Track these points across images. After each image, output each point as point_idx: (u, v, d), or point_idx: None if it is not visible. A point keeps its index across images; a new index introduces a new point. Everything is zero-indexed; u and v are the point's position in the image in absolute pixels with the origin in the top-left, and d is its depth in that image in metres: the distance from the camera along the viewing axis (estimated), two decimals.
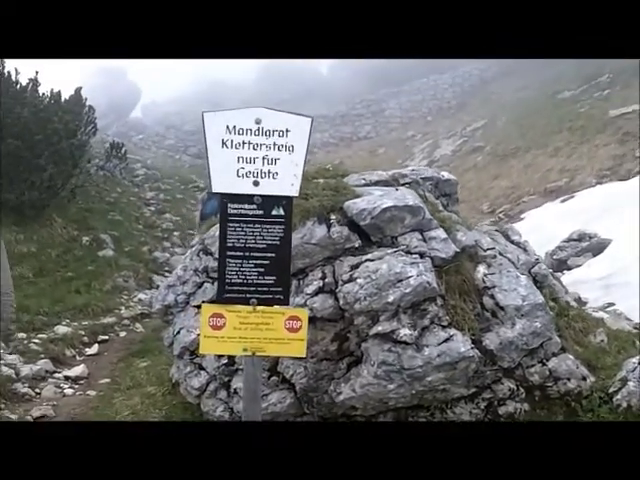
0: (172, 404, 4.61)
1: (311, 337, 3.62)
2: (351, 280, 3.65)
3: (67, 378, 5.84)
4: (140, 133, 29.10)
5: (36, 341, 6.50)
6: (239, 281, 2.89)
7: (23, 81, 10.82)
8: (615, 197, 10.60)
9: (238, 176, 2.85)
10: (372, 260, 3.69)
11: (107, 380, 5.74)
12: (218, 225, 3.03)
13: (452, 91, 30.13)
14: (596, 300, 6.56)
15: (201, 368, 4.19)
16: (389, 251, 3.74)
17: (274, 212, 2.90)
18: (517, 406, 3.83)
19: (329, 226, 3.83)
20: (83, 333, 7.13)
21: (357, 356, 3.75)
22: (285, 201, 2.90)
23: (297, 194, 2.93)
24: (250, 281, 2.89)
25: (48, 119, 10.26)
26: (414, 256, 3.73)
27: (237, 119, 2.85)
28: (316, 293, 3.76)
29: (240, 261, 2.88)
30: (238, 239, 2.88)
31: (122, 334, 7.58)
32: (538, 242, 7.38)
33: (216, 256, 3.51)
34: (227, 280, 2.89)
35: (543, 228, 10.37)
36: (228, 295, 2.90)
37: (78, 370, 5.99)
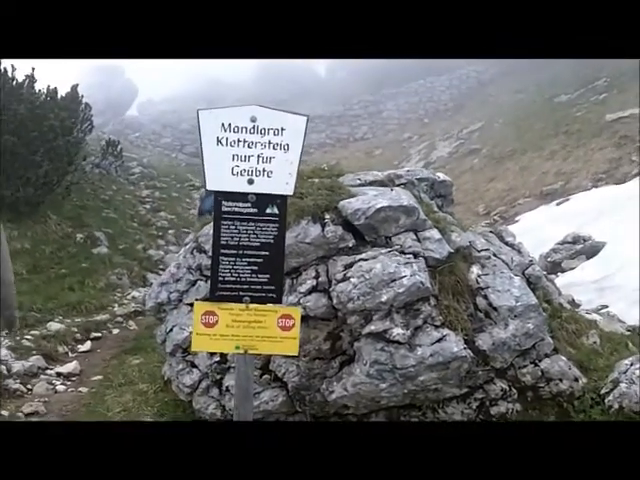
0: (164, 401, 4.61)
1: (304, 336, 3.62)
2: (345, 279, 3.65)
3: (59, 375, 5.82)
4: (136, 131, 28.99)
5: (28, 337, 6.48)
6: (232, 279, 2.89)
7: (19, 78, 10.77)
8: (610, 200, 10.63)
9: (233, 174, 2.85)
10: (366, 260, 3.70)
11: (99, 377, 5.72)
12: (212, 223, 3.03)
13: (449, 93, 30.14)
14: (590, 302, 6.58)
15: (193, 366, 4.19)
16: (383, 251, 3.75)
17: (268, 210, 2.90)
18: (509, 406, 3.84)
19: (323, 225, 3.84)
20: (76, 330, 7.10)
21: (350, 355, 3.76)
22: (279, 200, 2.90)
23: (292, 193, 2.93)
24: (243, 279, 2.89)
25: (44, 116, 10.21)
26: (408, 256, 3.73)
27: (232, 117, 2.84)
28: (309, 292, 3.76)
29: (233, 259, 2.88)
30: (232, 237, 2.87)
31: (115, 331, 7.55)
32: (533, 244, 7.40)
33: (210, 254, 3.51)
34: (220, 278, 2.89)
35: (538, 230, 10.39)
36: (221, 293, 2.90)
37: (70, 367, 5.97)
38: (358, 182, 4.43)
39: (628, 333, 4.99)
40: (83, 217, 11.02)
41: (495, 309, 3.81)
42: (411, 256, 3.74)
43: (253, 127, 2.84)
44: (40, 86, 11.15)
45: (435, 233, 3.97)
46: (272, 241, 2.90)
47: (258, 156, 2.85)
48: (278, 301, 2.94)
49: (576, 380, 3.91)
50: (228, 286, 2.89)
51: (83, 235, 10.34)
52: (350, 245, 3.84)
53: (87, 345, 6.83)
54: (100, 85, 31.18)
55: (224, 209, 2.87)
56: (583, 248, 8.55)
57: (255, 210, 2.88)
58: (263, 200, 2.88)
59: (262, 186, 2.86)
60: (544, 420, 3.84)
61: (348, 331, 3.73)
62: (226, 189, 2.86)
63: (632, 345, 4.56)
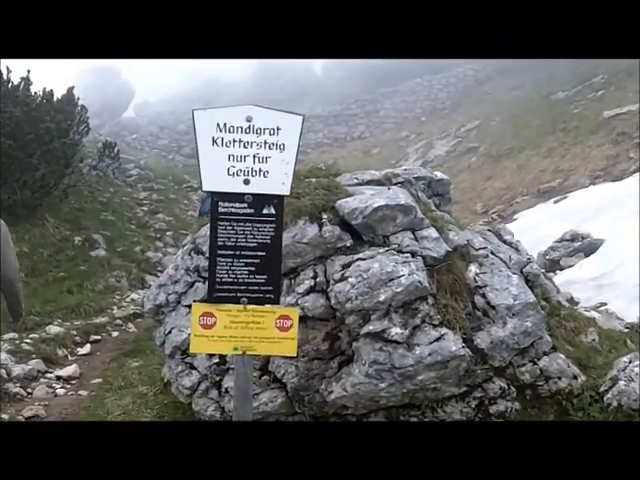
0: (164, 404, 4.60)
1: (302, 336, 3.62)
2: (342, 279, 3.64)
3: (59, 378, 5.81)
4: (133, 133, 28.99)
5: (28, 341, 6.46)
6: (230, 280, 2.88)
7: (15, 80, 10.77)
8: (608, 198, 10.63)
9: (229, 174, 2.84)
10: (364, 259, 3.69)
11: (99, 380, 5.71)
12: (209, 224, 3.03)
13: (446, 91, 30.17)
14: (588, 300, 6.58)
15: (192, 367, 4.18)
16: (381, 250, 3.74)
17: (265, 211, 2.89)
18: (508, 405, 3.84)
19: (321, 225, 3.83)
20: (75, 333, 7.09)
21: (348, 355, 3.75)
22: (276, 200, 2.89)
23: (288, 193, 2.92)
24: (241, 280, 2.88)
25: (40, 118, 10.20)
26: (406, 255, 3.73)
27: (228, 117, 2.83)
28: (307, 292, 3.75)
29: (231, 260, 2.87)
30: (229, 238, 2.86)
31: (114, 334, 7.54)
32: (531, 242, 7.40)
33: (207, 255, 3.50)
34: (218, 279, 2.88)
35: (536, 228, 10.39)
36: (219, 294, 2.89)
37: (70, 370, 5.95)
38: (355, 181, 4.43)
39: (627, 330, 4.99)
40: (81, 220, 11.01)
41: (493, 307, 3.80)
42: (409, 255, 3.74)
43: (249, 127, 2.83)
44: (36, 88, 11.17)
45: (433, 232, 3.96)
46: (269, 241, 2.89)
47: (254, 156, 2.84)
48: (276, 302, 2.94)
49: (575, 378, 3.90)
50: (226, 287, 2.88)
51: (81, 238, 10.32)
52: (348, 245, 3.83)
53: (86, 348, 6.81)
54: (96, 87, 31.17)
55: (220, 210, 2.86)
56: (581, 246, 8.55)
57: (252, 210, 2.87)
58: (260, 200, 2.87)
59: (258, 186, 2.85)
60: (543, 418, 3.83)
61: (346, 331, 3.73)
62: (222, 190, 2.85)
63: (631, 342, 4.56)
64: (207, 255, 3.52)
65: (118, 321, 7.96)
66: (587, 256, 8.29)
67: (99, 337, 7.28)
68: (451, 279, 3.85)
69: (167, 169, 20.36)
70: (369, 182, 4.46)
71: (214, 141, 2.81)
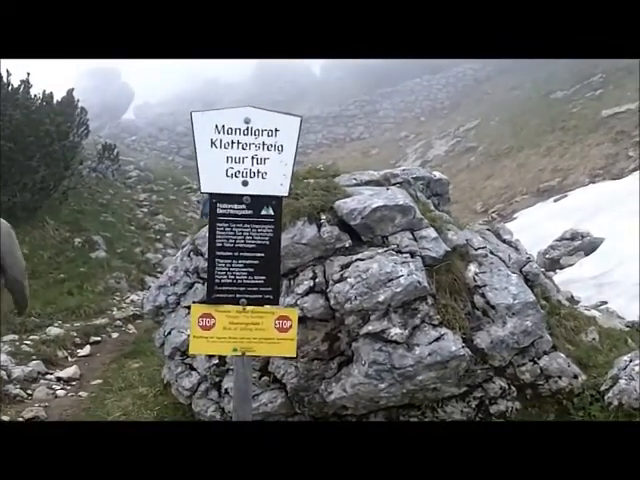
0: (164, 405, 4.60)
1: (302, 337, 3.61)
2: (342, 280, 3.64)
3: (59, 379, 5.81)
4: (133, 135, 29.00)
5: (28, 342, 6.47)
6: (229, 281, 2.88)
7: (15, 83, 10.77)
8: (608, 196, 10.64)
9: (227, 176, 2.84)
10: (362, 260, 3.69)
11: (99, 381, 5.72)
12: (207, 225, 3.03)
13: (445, 91, 30.18)
14: (589, 299, 6.58)
15: (192, 369, 4.18)
16: (380, 250, 3.74)
17: (263, 212, 2.89)
18: (508, 405, 3.83)
19: (319, 226, 3.83)
20: (75, 334, 7.09)
21: (348, 356, 3.75)
22: (274, 201, 2.89)
23: (287, 194, 2.93)
24: (240, 281, 2.89)
25: (40, 121, 10.20)
26: (405, 255, 3.73)
27: (226, 119, 2.84)
28: (307, 293, 3.75)
29: (229, 261, 2.87)
30: (227, 239, 2.87)
31: (114, 335, 7.54)
32: (531, 241, 7.42)
33: (206, 256, 3.51)
34: (217, 280, 2.89)
35: (536, 227, 10.40)
36: (218, 295, 2.89)
37: (70, 371, 5.96)
38: (354, 182, 4.42)
39: (627, 329, 4.99)
40: (81, 221, 11.00)
41: (493, 307, 3.80)
42: (408, 255, 3.74)
43: (247, 128, 2.84)
44: (35, 91, 11.16)
45: (431, 232, 3.96)
46: (268, 242, 2.89)
47: (252, 157, 2.84)
48: (275, 303, 2.94)
49: (575, 377, 3.90)
50: (225, 288, 2.89)
51: (81, 239, 10.32)
52: (346, 245, 3.83)
53: (86, 349, 6.82)
54: (96, 89, 31.20)
55: (219, 211, 2.86)
56: (581, 244, 8.56)
57: (250, 212, 2.87)
58: (258, 201, 2.87)
59: (257, 187, 2.85)
60: (544, 418, 3.83)
61: (346, 332, 3.72)
62: (221, 191, 2.85)
63: (631, 341, 4.55)
64: (206, 256, 3.52)
65: (118, 322, 7.96)
66: (587, 255, 8.29)
67: (99, 338, 7.28)
68: (450, 279, 3.85)
69: (167, 170, 20.35)
70: (368, 183, 4.45)
71: (212, 143, 2.82)
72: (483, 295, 3.85)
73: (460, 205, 14.36)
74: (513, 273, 4.07)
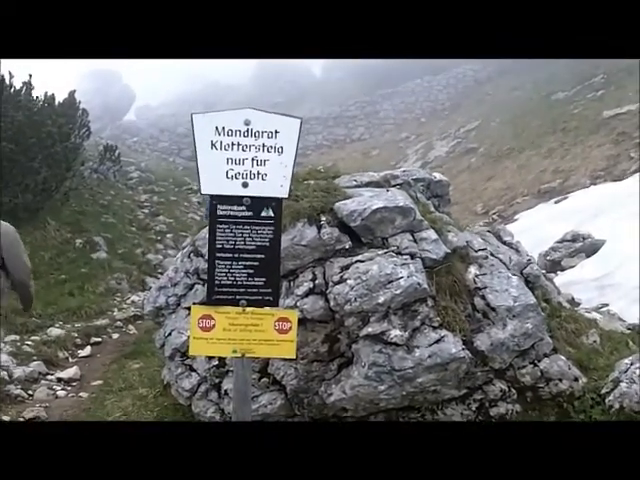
0: (163, 406, 4.60)
1: (302, 338, 3.61)
2: (341, 281, 3.64)
3: (60, 380, 5.84)
4: (134, 136, 29.02)
5: (29, 343, 6.49)
6: (229, 283, 2.89)
7: (17, 84, 10.80)
8: (609, 198, 10.62)
9: (227, 177, 2.84)
10: (362, 261, 3.69)
11: (99, 382, 5.73)
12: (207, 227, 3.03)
13: (446, 92, 30.18)
14: (590, 301, 6.57)
15: (192, 370, 4.18)
16: (380, 252, 3.74)
17: (263, 213, 2.89)
18: (508, 407, 3.83)
19: (319, 227, 3.83)
20: (76, 335, 7.11)
21: (348, 357, 3.75)
22: (274, 202, 2.89)
23: (287, 195, 2.93)
24: (240, 282, 2.89)
25: (42, 122, 10.23)
26: (405, 257, 3.72)
27: (226, 120, 2.84)
28: (306, 294, 3.75)
29: (229, 262, 2.88)
30: (227, 240, 2.87)
31: (115, 336, 7.55)
32: (531, 243, 7.40)
33: (207, 258, 3.51)
34: (217, 282, 2.89)
35: (537, 229, 10.39)
36: (218, 297, 2.90)
37: (71, 372, 5.98)
38: (354, 183, 4.42)
39: (628, 332, 4.97)
40: (82, 222, 11.02)
41: (493, 309, 3.80)
42: (408, 257, 3.73)
43: (247, 130, 2.84)
44: (37, 93, 11.20)
45: (432, 233, 3.96)
46: (268, 244, 2.89)
47: (252, 159, 2.85)
48: (275, 304, 2.94)
49: (576, 380, 3.89)
50: (225, 290, 2.89)
51: (82, 240, 10.33)
52: (346, 247, 3.83)
53: (87, 350, 6.84)
54: (97, 91, 31.27)
55: (219, 213, 2.86)
56: (582, 246, 8.54)
57: (250, 213, 2.87)
58: (258, 203, 2.87)
59: (257, 189, 2.86)
60: (544, 420, 3.82)
61: (346, 333, 3.72)
62: (221, 193, 2.86)
63: (632, 344, 4.53)
64: (207, 257, 3.52)
65: (118, 323, 7.98)
66: (588, 257, 8.27)
67: (100, 339, 7.30)
68: (450, 281, 3.85)
69: (167, 172, 20.36)
70: (368, 184, 4.45)
71: (213, 145, 2.82)
72: (483, 297, 3.85)
73: (460, 206, 14.35)
74: (514, 275, 4.06)
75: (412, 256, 3.76)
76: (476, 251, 4.12)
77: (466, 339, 3.68)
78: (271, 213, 2.89)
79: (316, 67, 38.25)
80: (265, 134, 2.84)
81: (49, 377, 5.87)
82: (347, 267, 3.70)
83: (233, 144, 2.83)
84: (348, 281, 3.61)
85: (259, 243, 2.88)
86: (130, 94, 36.90)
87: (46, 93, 11.39)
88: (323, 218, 3.88)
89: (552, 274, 7.29)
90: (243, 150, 2.84)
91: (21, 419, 4.71)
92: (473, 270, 3.98)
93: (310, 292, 3.76)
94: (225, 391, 3.97)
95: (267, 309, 2.91)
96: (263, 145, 2.84)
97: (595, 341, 4.41)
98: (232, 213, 2.86)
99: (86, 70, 33.06)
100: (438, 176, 5.19)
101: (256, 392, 3.78)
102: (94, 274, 9.43)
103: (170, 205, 15.18)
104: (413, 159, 22.49)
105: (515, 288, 3.90)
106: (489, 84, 28.68)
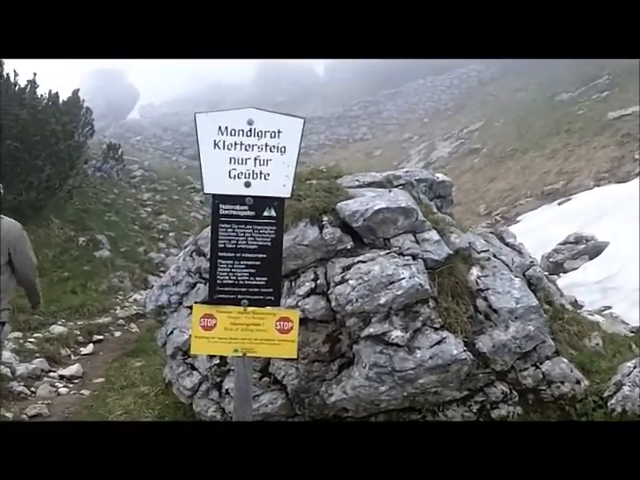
0: (165, 404, 4.61)
1: (303, 338, 3.62)
2: (343, 282, 3.64)
3: (62, 377, 5.87)
4: (137, 135, 29.02)
5: (32, 340, 6.52)
6: (230, 282, 2.89)
7: (22, 83, 10.82)
8: (613, 200, 10.57)
9: (230, 177, 2.84)
10: (364, 262, 3.69)
11: (101, 379, 5.75)
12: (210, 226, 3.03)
13: (449, 93, 30.09)
14: (593, 303, 6.55)
15: (193, 368, 4.19)
16: (381, 253, 3.74)
17: (266, 213, 2.89)
18: (510, 409, 3.82)
19: (321, 227, 3.83)
20: (78, 333, 7.14)
21: (349, 358, 3.75)
22: (277, 202, 2.89)
23: (289, 195, 2.93)
24: (241, 282, 2.89)
25: (46, 120, 10.25)
26: (406, 258, 3.72)
27: (229, 120, 2.84)
28: (308, 294, 3.75)
29: (231, 262, 2.88)
30: (229, 240, 2.87)
31: (117, 334, 7.58)
32: (534, 245, 7.38)
33: (209, 257, 3.51)
34: (218, 281, 2.89)
35: (540, 231, 10.35)
36: (219, 296, 2.90)
37: (73, 369, 6.01)
38: (356, 183, 4.42)
39: (632, 335, 4.95)
40: (85, 220, 11.05)
41: (495, 311, 3.79)
42: (410, 258, 3.73)
43: (250, 130, 2.84)
44: (42, 91, 11.20)
45: (434, 234, 3.95)
46: (270, 244, 2.89)
47: (255, 159, 2.84)
48: (276, 304, 2.94)
49: (578, 383, 3.88)
50: (226, 289, 2.89)
51: (85, 238, 10.36)
52: (348, 247, 3.83)
53: (89, 348, 6.87)
54: (101, 89, 31.31)
55: (222, 212, 2.86)
56: (586, 248, 8.51)
57: (252, 213, 2.87)
58: (260, 203, 2.87)
59: (259, 189, 2.85)
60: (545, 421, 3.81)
61: (347, 334, 3.72)
62: (223, 192, 2.86)
63: (636, 347, 4.51)
64: (209, 256, 3.52)
65: (121, 321, 8.00)
66: (591, 259, 8.25)
67: (102, 337, 7.33)
68: (452, 282, 3.84)
69: (170, 170, 20.37)
70: (370, 184, 4.45)
71: (216, 144, 2.82)
72: (485, 299, 3.84)
73: (463, 207, 14.32)
74: (516, 277, 4.05)
75: (414, 257, 3.75)
76: (478, 252, 4.12)
77: (468, 341, 3.68)
78: (273, 213, 2.89)
79: (319, 67, 38.24)
80: (268, 134, 2.84)
81: (51, 374, 5.90)
82: (349, 267, 3.70)
83: (236, 144, 2.83)
84: (350, 281, 3.61)
85: (261, 243, 2.88)
86: (134, 93, 36.94)
87: (50, 91, 11.41)
88: (325, 218, 3.88)
89: (555, 276, 7.27)
90: (246, 150, 2.84)
91: (23, 416, 4.74)
92: (475, 271, 3.98)
93: (311, 292, 3.76)
94: (226, 390, 3.97)
95: (268, 309, 2.91)
96: (266, 145, 2.84)
97: (598, 344, 4.40)
98: (234, 212, 2.86)
99: (90, 69, 33.11)
100: (441, 177, 5.19)
101: (257, 391, 3.78)
102: (97, 272, 9.46)
103: (173, 204, 15.19)
104: (416, 159, 22.45)
105: (517, 290, 3.89)
106: (493, 85, 28.61)
